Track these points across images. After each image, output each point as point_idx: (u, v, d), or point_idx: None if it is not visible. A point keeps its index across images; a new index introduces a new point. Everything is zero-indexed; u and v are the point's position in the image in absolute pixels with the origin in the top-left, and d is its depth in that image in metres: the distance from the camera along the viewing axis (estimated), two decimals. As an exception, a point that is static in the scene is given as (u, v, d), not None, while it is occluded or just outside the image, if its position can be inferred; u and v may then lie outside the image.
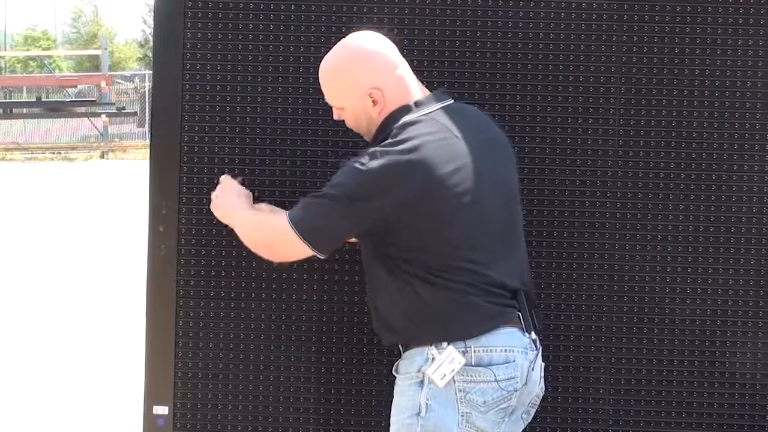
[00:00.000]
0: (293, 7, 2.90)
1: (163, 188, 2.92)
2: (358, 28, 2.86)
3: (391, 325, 2.51)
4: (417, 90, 2.55)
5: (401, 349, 2.52)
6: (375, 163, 2.39)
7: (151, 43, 3.01)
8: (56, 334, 6.84)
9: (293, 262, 2.84)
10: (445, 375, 2.40)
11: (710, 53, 2.90)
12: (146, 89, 24.18)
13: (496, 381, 2.42)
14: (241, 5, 2.91)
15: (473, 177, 2.43)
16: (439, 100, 2.53)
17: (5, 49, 43.45)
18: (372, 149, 2.44)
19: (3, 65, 41.02)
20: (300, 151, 2.92)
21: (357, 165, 2.42)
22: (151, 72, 3.29)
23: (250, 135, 2.92)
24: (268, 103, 2.92)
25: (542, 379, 2.54)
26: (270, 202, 2.90)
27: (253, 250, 2.63)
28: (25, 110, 23.67)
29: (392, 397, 2.80)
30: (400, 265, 2.44)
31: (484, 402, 2.42)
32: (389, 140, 2.43)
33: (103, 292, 8.07)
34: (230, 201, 2.70)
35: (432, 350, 2.42)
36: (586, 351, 2.93)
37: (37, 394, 5.53)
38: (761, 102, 2.91)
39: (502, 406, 2.44)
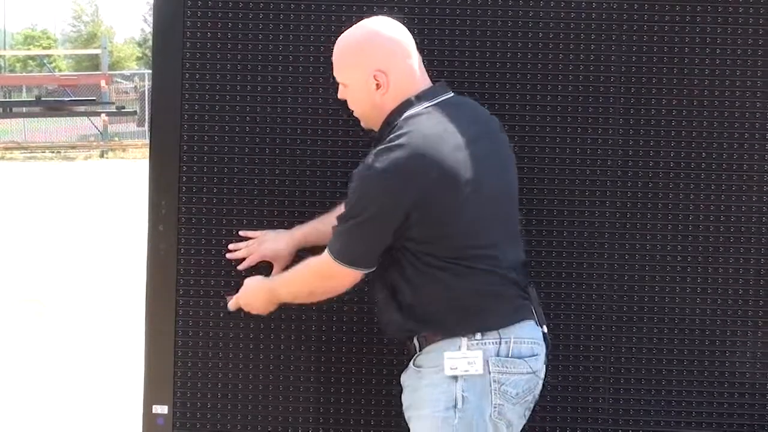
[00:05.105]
0: (293, 6, 2.90)
1: (163, 187, 2.92)
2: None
3: (419, 318, 2.47)
4: (423, 83, 2.55)
5: (419, 344, 2.50)
6: (385, 164, 2.38)
7: (151, 43, 3.01)
8: (57, 334, 6.84)
9: (290, 264, 2.85)
10: (456, 368, 2.40)
11: (710, 53, 2.90)
12: (146, 88, 24.15)
13: (532, 372, 2.45)
14: (240, 5, 2.91)
15: (475, 169, 2.43)
16: (440, 93, 2.54)
17: (5, 49, 43.41)
18: (378, 149, 2.43)
19: (2, 64, 41.00)
20: (300, 150, 2.92)
21: (368, 172, 2.40)
22: (150, 71, 3.29)
23: (250, 135, 2.92)
24: (268, 102, 2.92)
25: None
26: (270, 202, 2.90)
27: (314, 300, 2.72)
28: (24, 109, 23.65)
29: (394, 396, 2.80)
30: (421, 258, 2.43)
31: (517, 394, 2.44)
32: (394, 135, 2.43)
33: (103, 291, 8.07)
34: (260, 290, 2.72)
35: (463, 341, 2.42)
36: (586, 351, 2.93)
37: (37, 394, 5.53)
38: (761, 102, 2.91)
39: (527, 398, 2.47)
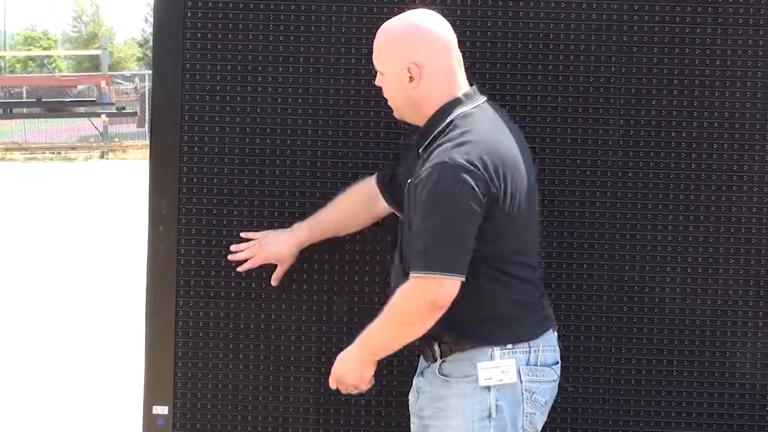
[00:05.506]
0: (293, 7, 2.90)
1: (163, 188, 2.92)
2: (358, 29, 2.88)
3: (450, 325, 2.40)
4: (464, 82, 2.53)
5: (440, 351, 2.45)
6: (467, 156, 2.34)
7: (151, 43, 3.01)
8: (57, 334, 6.84)
9: (293, 264, 2.85)
10: (490, 378, 2.39)
11: (710, 53, 2.89)
12: (146, 89, 24.16)
13: (557, 379, 2.49)
14: (241, 5, 2.91)
15: (522, 173, 2.44)
16: (480, 95, 2.54)
17: (5, 49, 43.41)
18: (449, 145, 2.38)
19: (3, 65, 41.00)
20: (300, 151, 2.92)
21: (449, 166, 2.34)
22: (151, 72, 3.29)
23: (250, 135, 2.92)
24: (268, 103, 2.92)
25: None
26: (270, 203, 2.90)
27: (413, 336, 2.43)
28: (25, 110, 23.65)
29: (394, 396, 2.79)
30: (473, 264, 2.39)
31: (545, 402, 2.47)
32: (456, 131, 2.41)
33: (103, 292, 8.07)
34: (346, 354, 2.53)
35: (496, 350, 2.42)
36: (586, 351, 2.93)
37: (38, 394, 5.53)
38: (761, 102, 2.90)
39: (550, 406, 2.50)
